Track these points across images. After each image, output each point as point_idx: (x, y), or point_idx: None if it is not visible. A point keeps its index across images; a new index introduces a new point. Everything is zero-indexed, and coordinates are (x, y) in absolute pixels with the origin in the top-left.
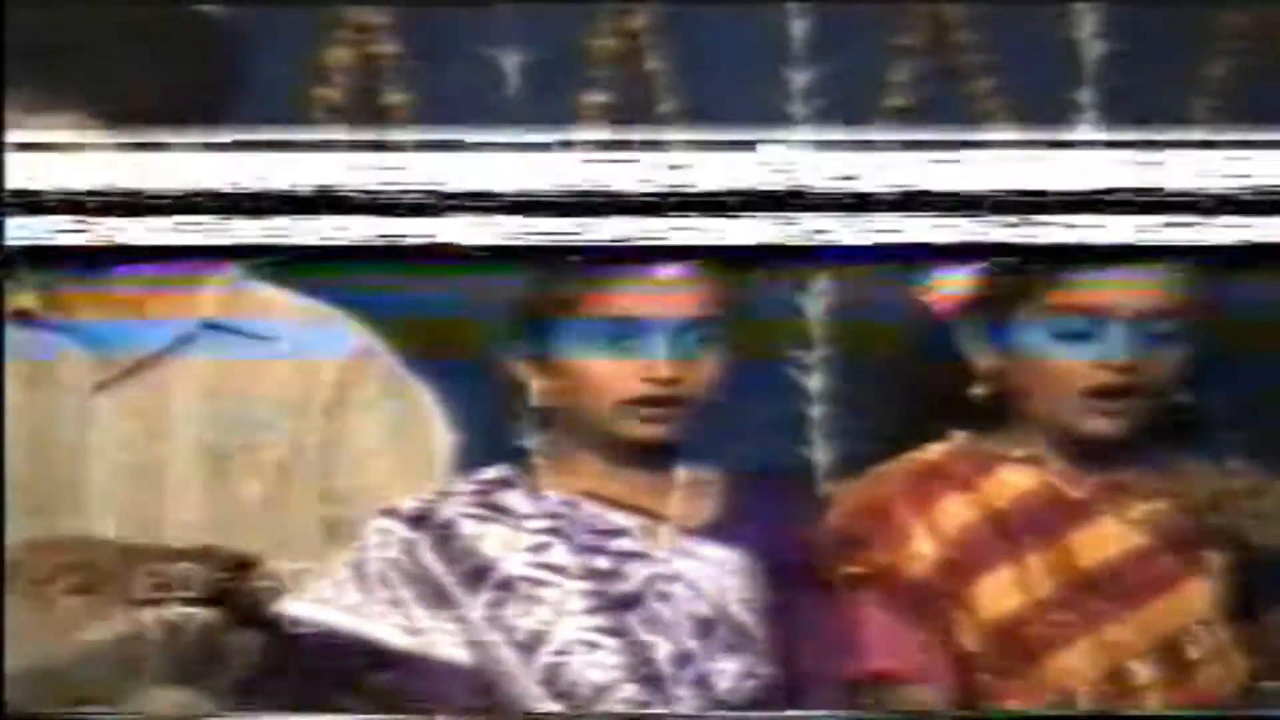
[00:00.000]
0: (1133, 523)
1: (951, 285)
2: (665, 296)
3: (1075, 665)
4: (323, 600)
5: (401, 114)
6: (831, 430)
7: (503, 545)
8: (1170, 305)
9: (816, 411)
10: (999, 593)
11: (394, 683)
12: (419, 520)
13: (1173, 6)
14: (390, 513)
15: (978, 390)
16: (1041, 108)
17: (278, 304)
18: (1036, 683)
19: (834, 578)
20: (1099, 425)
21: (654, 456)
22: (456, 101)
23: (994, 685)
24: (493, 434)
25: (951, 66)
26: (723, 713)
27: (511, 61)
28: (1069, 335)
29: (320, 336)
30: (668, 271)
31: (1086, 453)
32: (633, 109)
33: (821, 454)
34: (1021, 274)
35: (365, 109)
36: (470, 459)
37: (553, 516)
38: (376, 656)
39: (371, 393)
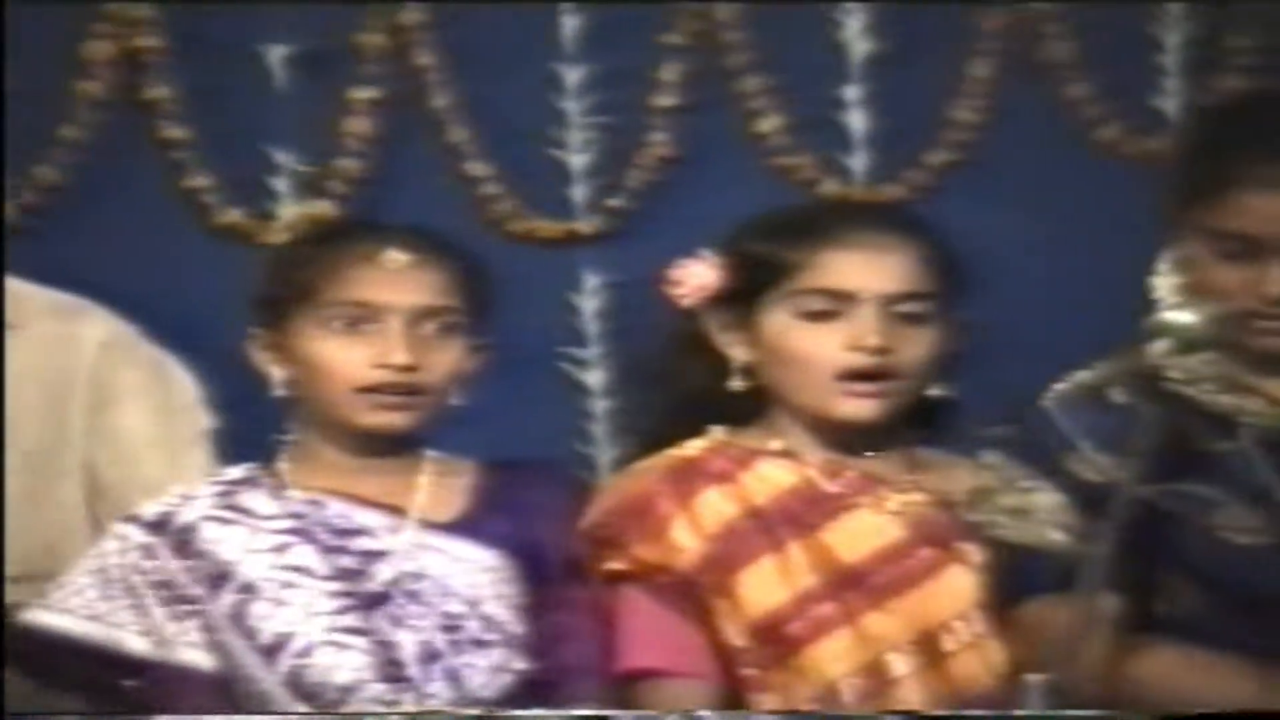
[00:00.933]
0: (890, 516)
1: (695, 278)
2: (400, 283)
3: (835, 658)
4: (65, 608)
5: (166, 108)
6: (602, 426)
7: (243, 548)
8: (920, 288)
9: (587, 407)
10: (760, 587)
11: (138, 689)
12: (159, 525)
13: (938, 5)
14: (131, 519)
15: (735, 383)
16: (809, 105)
17: (27, 296)
18: (798, 676)
19: (595, 573)
20: (853, 409)
21: (399, 449)
22: (223, 95)
23: (757, 679)
24: (246, 425)
25: (721, 65)
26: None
27: (278, 55)
28: (817, 317)
29: (71, 326)
30: (401, 258)
31: (844, 445)
32: (403, 104)
33: (589, 449)
34: (766, 260)
35: (128, 103)
36: (227, 450)
37: (295, 516)
38: (119, 663)
39: (131, 382)
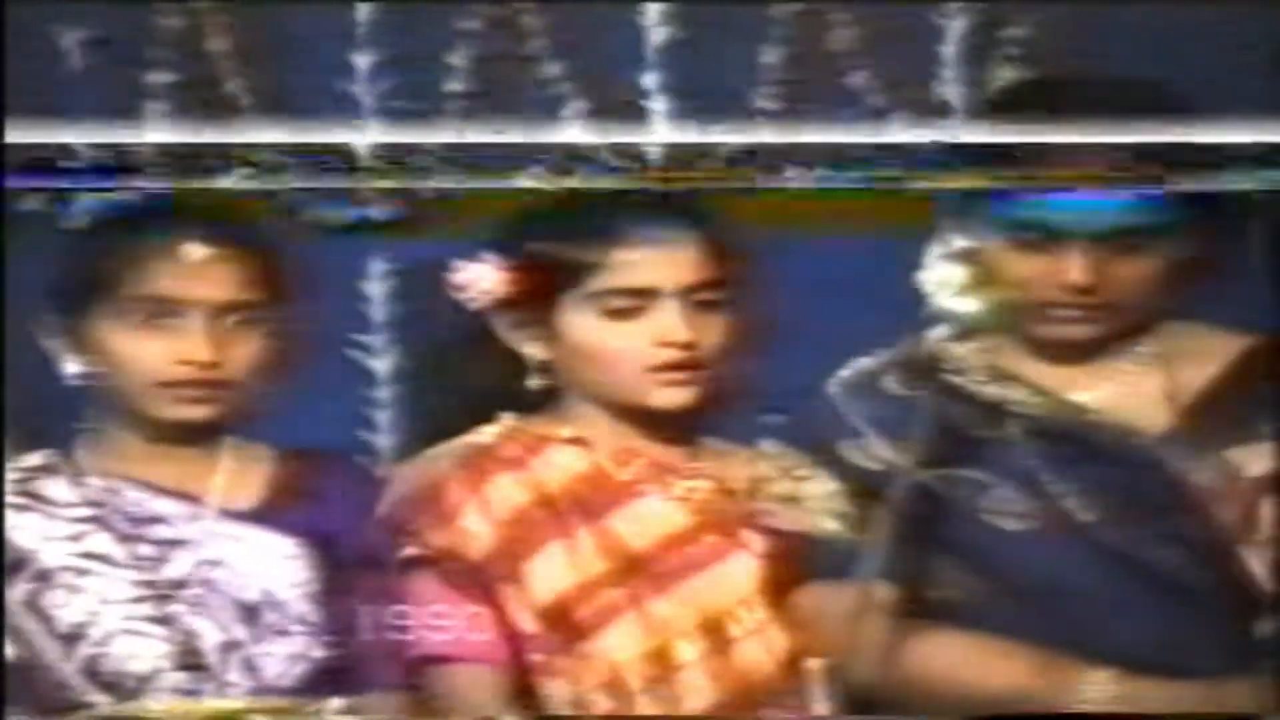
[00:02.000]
0: (678, 503)
1: (482, 282)
2: (201, 277)
3: (623, 644)
4: None
5: None
6: (394, 414)
7: (41, 536)
8: (714, 276)
9: (379, 395)
10: (549, 573)
11: None
12: None
13: None
14: None
15: (532, 380)
16: (607, 93)
17: None
18: (586, 661)
19: (390, 560)
20: (668, 398)
21: (198, 437)
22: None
23: (547, 664)
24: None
25: (517, 52)
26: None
27: (72, 39)
28: (621, 315)
29: None
30: (201, 251)
31: (651, 433)
32: (199, 89)
33: (383, 438)
34: (560, 263)
35: None
36: (23, 438)
37: (93, 504)
38: None
39: None
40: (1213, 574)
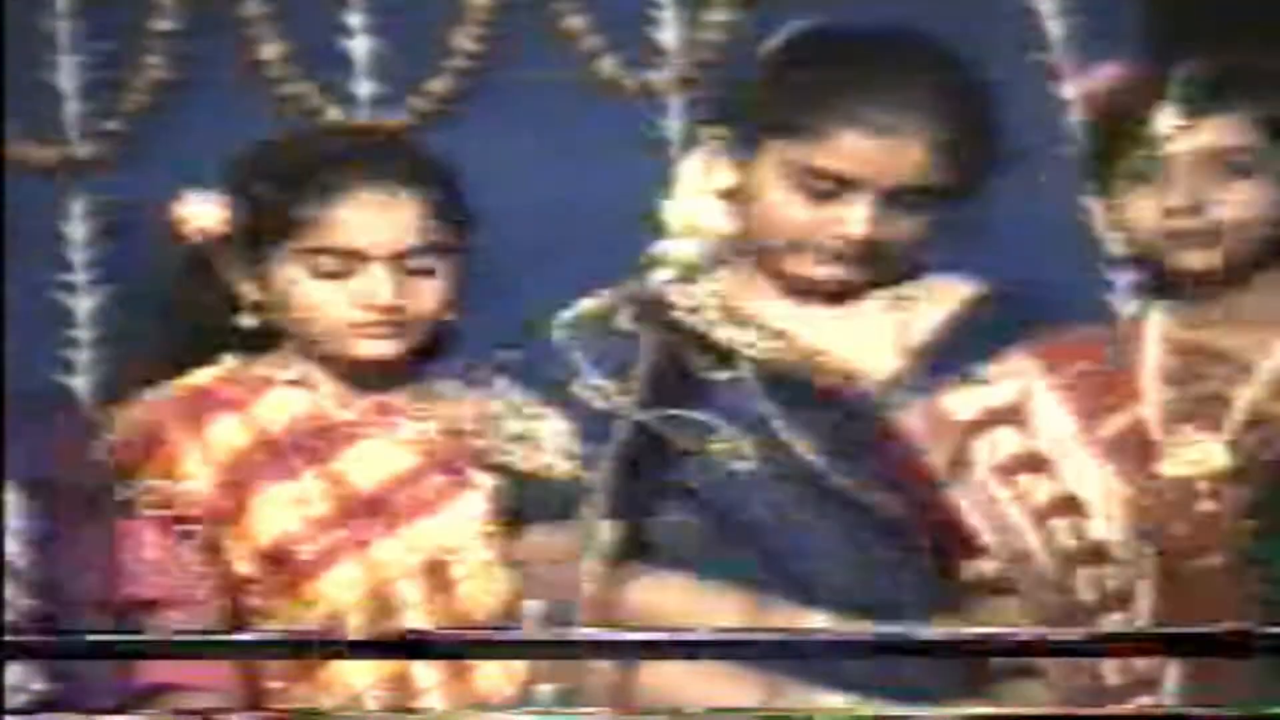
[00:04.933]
0: (403, 444)
1: (202, 214)
2: None
3: (344, 585)
4: None
5: None
6: (99, 355)
7: None
8: (429, 240)
9: (82, 336)
10: (270, 515)
11: None
12: None
13: None
14: None
15: (246, 320)
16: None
17: None
18: (306, 602)
19: (106, 504)
20: (367, 349)
21: None
22: None
23: (265, 606)
24: None
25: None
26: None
27: None
28: (327, 275)
29: None
30: None
31: (357, 375)
32: None
33: (94, 380)
34: (274, 212)
35: None
36: None
37: None
38: None
39: None
40: (922, 516)
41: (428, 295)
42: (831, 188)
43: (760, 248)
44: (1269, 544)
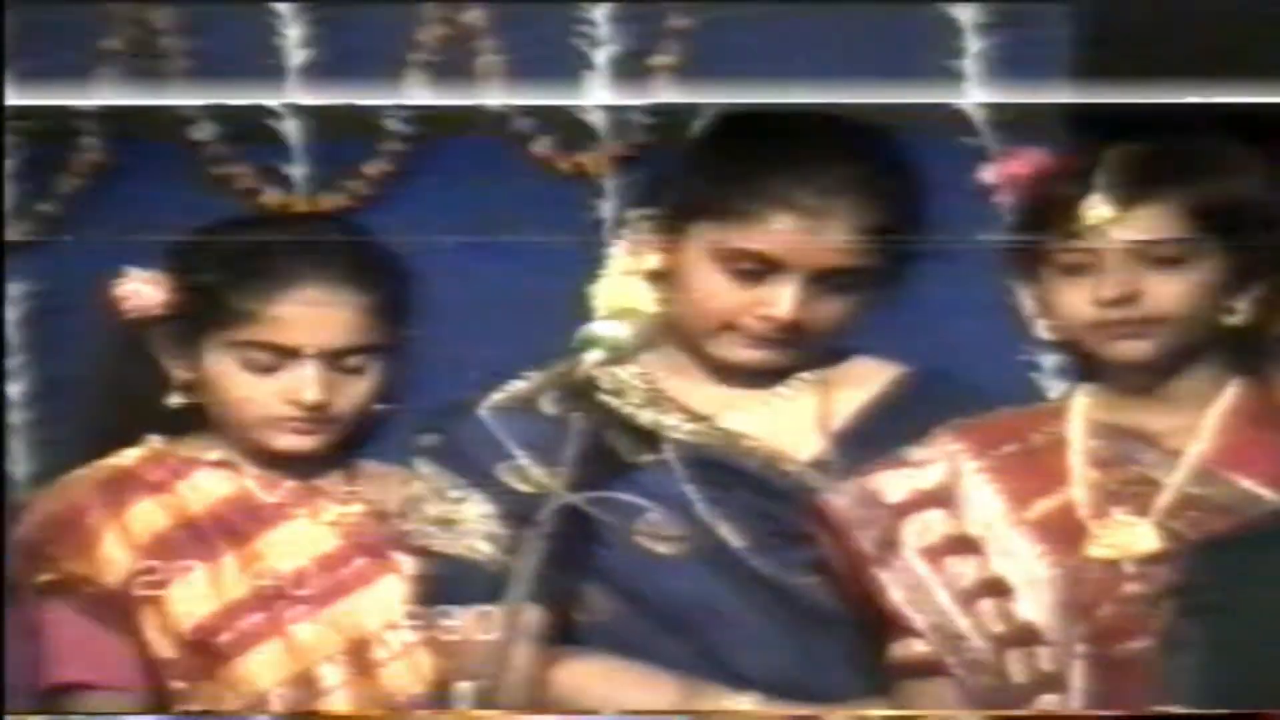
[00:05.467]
0: (327, 526)
1: (139, 295)
2: None
3: (265, 668)
4: None
5: None
6: (29, 438)
7: None
8: (364, 341)
9: (13, 419)
10: (191, 598)
11: None
12: None
13: (375, 15)
14: None
15: (175, 399)
16: (247, 113)
17: None
18: (228, 686)
19: (26, 587)
20: (288, 443)
21: None
22: None
23: (187, 690)
24: None
25: (157, 69)
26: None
27: None
28: (258, 368)
29: None
30: None
31: (282, 459)
32: None
33: (18, 463)
34: (214, 300)
35: None
36: None
37: None
38: None
39: None
40: (851, 599)
41: (356, 393)
42: (758, 270)
43: (687, 330)
44: (1196, 627)
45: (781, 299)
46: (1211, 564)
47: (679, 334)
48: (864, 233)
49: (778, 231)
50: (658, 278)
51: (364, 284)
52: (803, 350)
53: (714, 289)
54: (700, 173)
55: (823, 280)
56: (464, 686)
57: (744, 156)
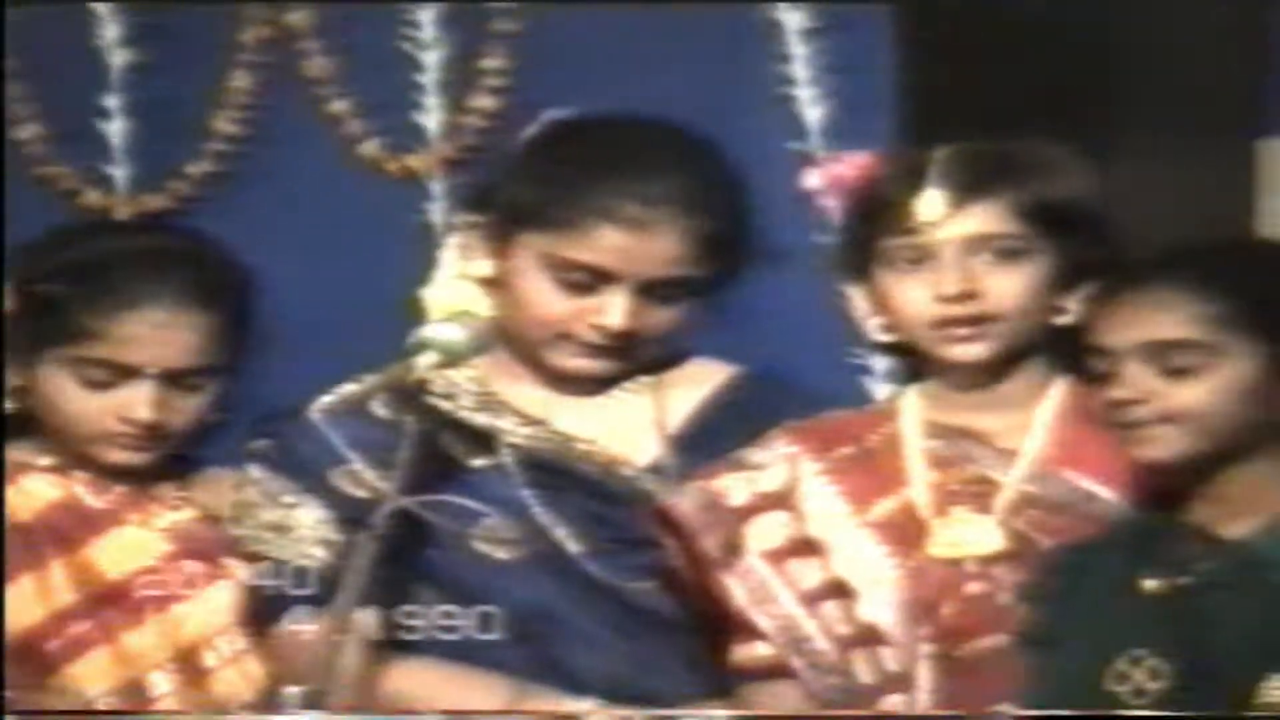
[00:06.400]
0: (157, 532)
1: None
2: None
3: (94, 676)
4: None
5: None
6: None
7: None
8: (200, 363)
9: None
10: (18, 606)
11: None
12: None
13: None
14: None
15: (7, 405)
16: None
17: None
18: (57, 694)
19: None
20: (122, 458)
21: None
22: None
23: (18, 698)
24: None
25: None
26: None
27: None
28: (95, 385)
29: None
30: None
31: (112, 475)
32: None
33: None
34: (54, 313)
35: None
36: None
37: None
38: None
39: None
40: (695, 603)
41: (191, 408)
42: (587, 280)
43: (519, 337)
44: (1041, 628)
45: (612, 309)
46: (1055, 566)
47: (512, 340)
48: (692, 242)
49: (605, 242)
50: (489, 284)
51: (209, 303)
52: (635, 359)
53: (544, 298)
54: (528, 180)
55: (653, 290)
56: (293, 691)
57: (572, 164)
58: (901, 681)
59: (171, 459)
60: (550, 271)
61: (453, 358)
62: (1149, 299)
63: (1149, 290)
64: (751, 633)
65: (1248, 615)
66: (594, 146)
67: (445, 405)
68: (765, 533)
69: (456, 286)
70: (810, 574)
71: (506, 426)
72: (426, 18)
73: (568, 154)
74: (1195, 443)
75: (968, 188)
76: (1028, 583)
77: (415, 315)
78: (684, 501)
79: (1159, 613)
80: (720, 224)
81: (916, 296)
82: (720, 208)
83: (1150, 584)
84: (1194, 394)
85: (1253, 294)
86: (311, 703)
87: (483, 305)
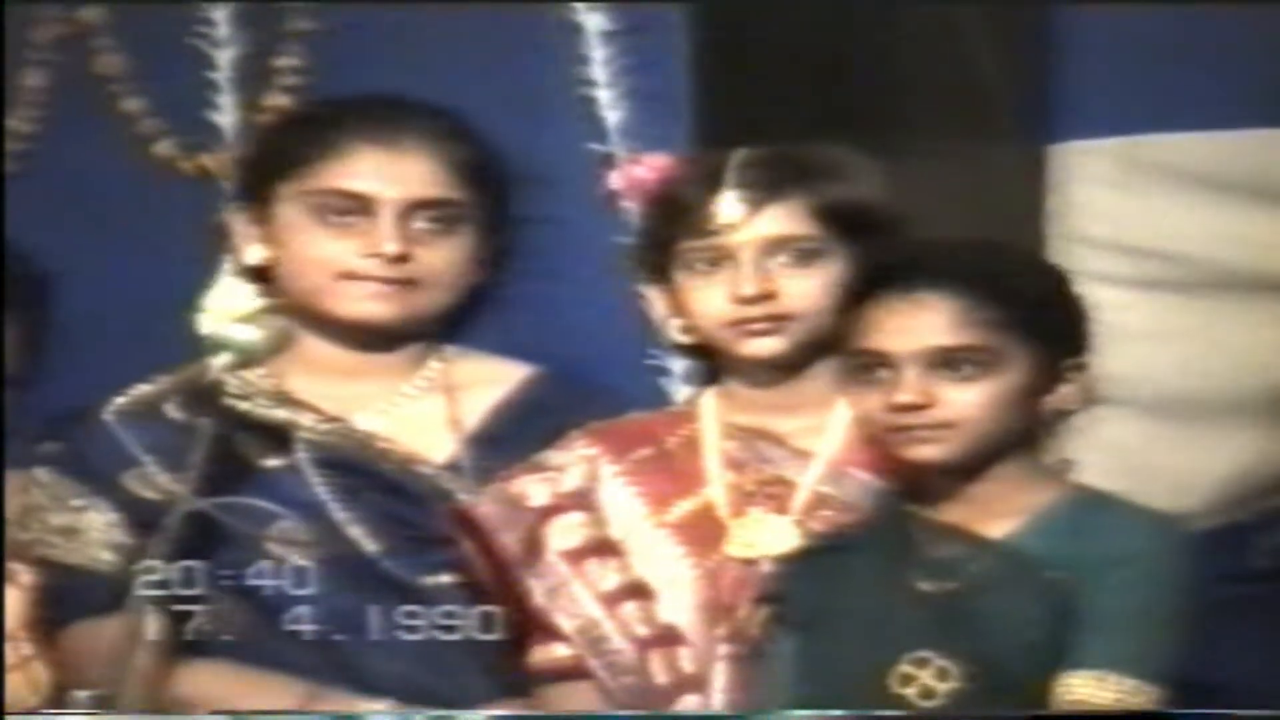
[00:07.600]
0: None
1: None
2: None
3: None
4: None
5: None
6: None
7: None
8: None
9: None
10: None
11: None
12: None
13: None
14: None
15: None
16: None
17: None
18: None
19: None
20: None
21: None
22: None
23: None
24: None
25: None
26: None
27: None
28: None
29: None
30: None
31: None
32: None
33: None
34: None
35: None
36: None
37: None
38: None
39: None
40: (495, 603)
41: None
42: (351, 207)
43: (305, 301)
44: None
45: (381, 232)
46: (801, 571)
47: (300, 310)
48: (448, 164)
49: (361, 165)
50: (265, 272)
51: (11, 309)
52: (425, 303)
53: (315, 241)
54: (283, 131)
55: (417, 211)
56: (81, 695)
57: (324, 107)
58: (697, 682)
59: None
60: (316, 215)
61: (248, 357)
62: (928, 304)
63: (928, 295)
64: (550, 633)
65: (1022, 614)
66: (346, 101)
67: (241, 405)
68: (564, 533)
69: (232, 285)
70: (609, 575)
71: (303, 424)
72: (221, 16)
73: (319, 109)
74: (969, 445)
75: (764, 191)
76: (786, 572)
77: (200, 316)
78: (484, 501)
79: (937, 614)
80: (474, 150)
81: (715, 297)
82: (472, 137)
83: (925, 586)
84: (972, 397)
85: (1029, 300)
86: (101, 706)
87: (256, 299)
